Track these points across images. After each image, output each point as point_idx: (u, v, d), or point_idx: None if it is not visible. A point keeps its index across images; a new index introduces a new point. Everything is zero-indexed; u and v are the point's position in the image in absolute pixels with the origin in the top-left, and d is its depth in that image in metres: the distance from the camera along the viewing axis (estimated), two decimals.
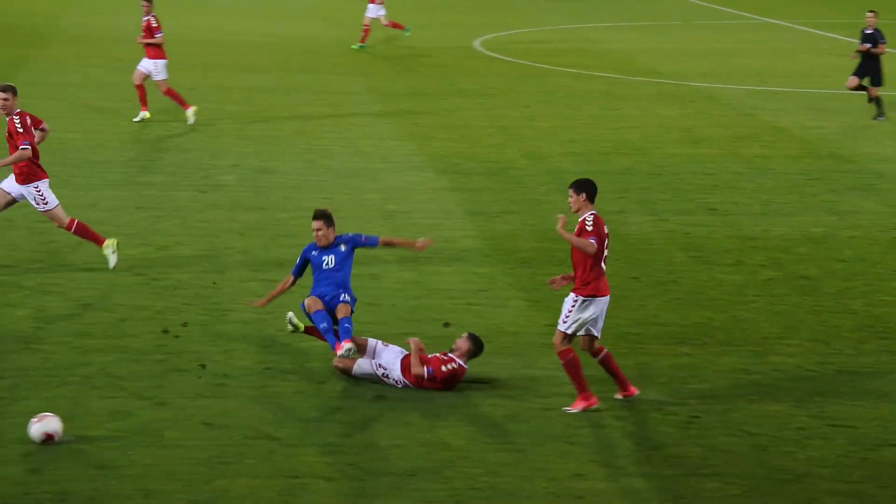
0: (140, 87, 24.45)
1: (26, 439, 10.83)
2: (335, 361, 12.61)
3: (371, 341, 12.79)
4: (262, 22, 42.06)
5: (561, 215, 11.84)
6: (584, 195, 11.79)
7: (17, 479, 10.14)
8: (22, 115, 15.12)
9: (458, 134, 25.20)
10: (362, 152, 23.36)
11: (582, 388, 11.95)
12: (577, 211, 11.84)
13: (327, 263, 12.98)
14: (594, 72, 33.43)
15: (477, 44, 38.71)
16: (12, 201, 15.55)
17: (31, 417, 10.87)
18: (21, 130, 14.99)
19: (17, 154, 15.01)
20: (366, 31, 35.92)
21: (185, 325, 13.80)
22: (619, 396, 12.21)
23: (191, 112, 24.57)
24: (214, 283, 15.47)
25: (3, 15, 38.80)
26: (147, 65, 24.32)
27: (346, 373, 12.56)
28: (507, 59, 35.61)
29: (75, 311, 14.16)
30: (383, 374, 12.50)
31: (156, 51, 24.30)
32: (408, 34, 36.88)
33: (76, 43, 34.81)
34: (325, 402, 12.10)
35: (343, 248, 13.08)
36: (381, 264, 16.65)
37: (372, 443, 11.26)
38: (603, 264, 11.81)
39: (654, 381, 12.75)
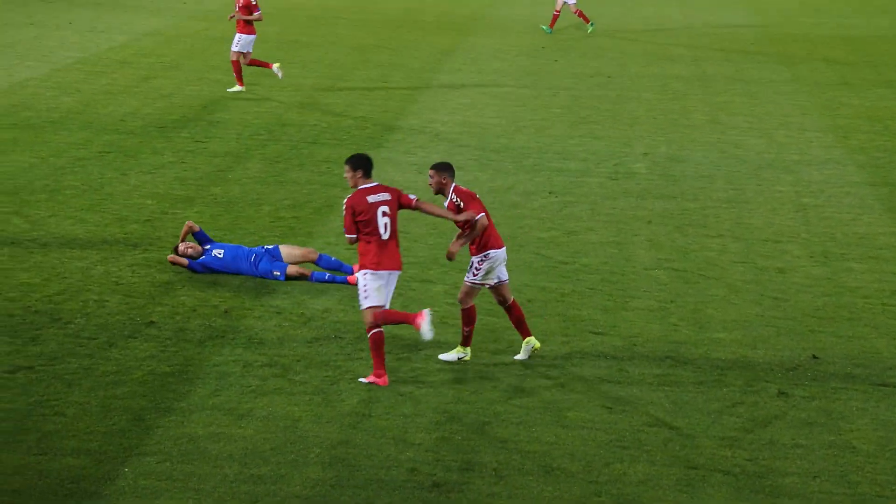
0: (235, 63, 25.59)
1: (440, 408, 11.41)
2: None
3: None
4: (679, 10, 41.84)
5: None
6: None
7: (429, 447, 10.71)
8: None
9: (882, 126, 24.11)
10: (777, 143, 22.82)
11: (378, 364, 11.81)
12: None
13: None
14: None
15: None
16: None
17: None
18: None
19: None
20: (555, 16, 35.25)
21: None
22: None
23: (276, 67, 25.72)
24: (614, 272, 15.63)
25: (443, 3, 40.73)
26: (236, 38, 25.54)
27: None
28: None
29: (485, 290, 14.69)
30: None
31: (247, 27, 25.50)
32: (591, 29, 35.49)
33: (502, 31, 36.01)
34: (726, 395, 11.97)
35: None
36: (789, 258, 16.25)
37: (773, 440, 11.04)
38: (384, 236, 11.95)
39: None
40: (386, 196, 12.03)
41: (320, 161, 20.53)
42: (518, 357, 12.60)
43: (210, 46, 31.11)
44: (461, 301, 12.45)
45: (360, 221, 11.91)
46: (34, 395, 11.29)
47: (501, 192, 19.12)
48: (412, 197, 12.23)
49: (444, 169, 12.43)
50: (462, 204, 12.20)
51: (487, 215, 12.26)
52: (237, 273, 14.73)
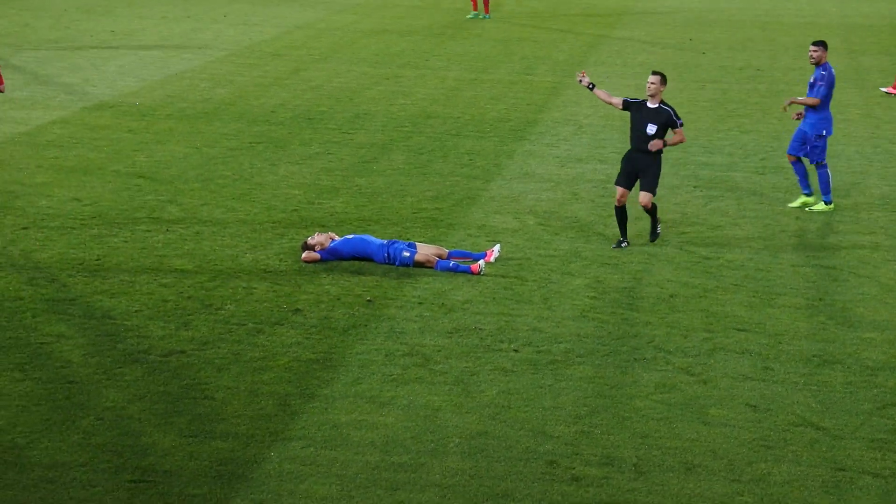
0: None
1: (580, 402, 11.39)
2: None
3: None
4: (835, 2, 40.87)
5: None
6: None
7: (569, 440, 10.70)
8: None
9: None
10: None
11: None
12: None
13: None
14: None
15: None
16: None
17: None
18: None
19: None
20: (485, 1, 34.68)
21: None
22: None
23: None
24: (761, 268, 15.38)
25: None
26: None
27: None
28: None
29: (629, 284, 14.63)
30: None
31: None
32: (484, 17, 34.55)
33: (649, 24, 35.67)
34: (877, 395, 11.70)
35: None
36: None
37: None
38: None
39: None
40: None
41: (463, 153, 20.62)
42: None
43: (359, 39, 31.50)
44: None
45: None
46: (186, 379, 11.62)
47: None
48: None
49: None
50: None
51: None
52: (366, 255, 14.87)
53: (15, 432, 10.44)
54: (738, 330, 13.25)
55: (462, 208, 17.52)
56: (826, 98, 17.48)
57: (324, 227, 16.18)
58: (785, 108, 17.70)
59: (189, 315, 13.15)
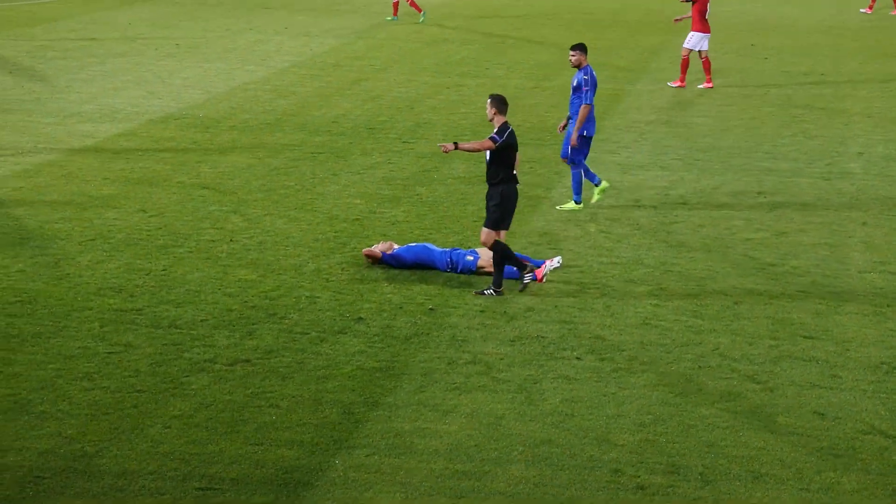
0: None
1: (644, 410, 11.33)
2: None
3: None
4: None
5: None
6: None
7: (633, 448, 10.65)
8: None
9: None
10: None
11: None
12: None
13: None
14: None
15: None
16: None
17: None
18: None
19: None
20: (395, 4, 35.80)
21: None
22: None
23: None
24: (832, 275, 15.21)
25: (650, 2, 40.36)
26: None
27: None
28: None
29: (692, 291, 14.53)
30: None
31: None
32: (422, 19, 35.41)
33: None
34: None
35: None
36: None
37: None
38: None
39: None
40: None
41: (523, 161, 20.60)
42: None
43: (419, 49, 31.60)
44: None
45: None
46: (251, 388, 11.70)
47: (708, 193, 18.84)
48: None
49: None
50: None
51: None
52: (428, 261, 14.92)
53: (84, 441, 10.57)
54: (805, 337, 13.12)
55: (523, 216, 17.51)
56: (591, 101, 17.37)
57: (385, 237, 16.24)
58: (560, 131, 17.81)
59: (253, 324, 13.25)
